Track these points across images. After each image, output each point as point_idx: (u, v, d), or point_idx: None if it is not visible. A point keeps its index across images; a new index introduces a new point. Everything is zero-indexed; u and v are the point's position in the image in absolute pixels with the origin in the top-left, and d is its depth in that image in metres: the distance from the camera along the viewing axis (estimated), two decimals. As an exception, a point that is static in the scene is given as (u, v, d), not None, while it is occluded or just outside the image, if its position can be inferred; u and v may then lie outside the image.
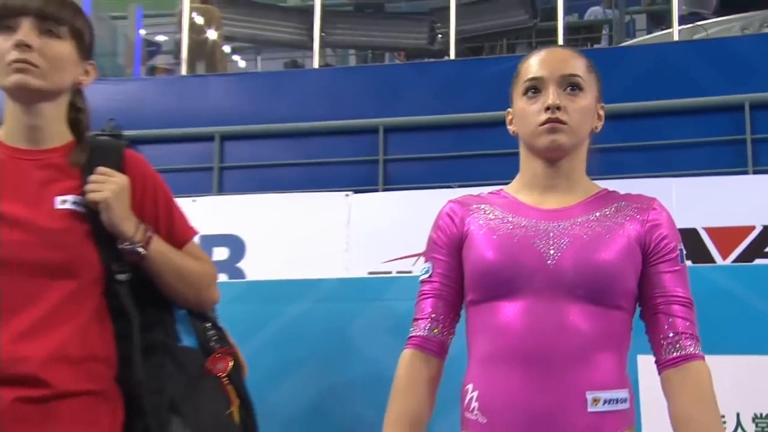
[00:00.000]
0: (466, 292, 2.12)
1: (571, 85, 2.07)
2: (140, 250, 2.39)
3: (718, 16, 8.67)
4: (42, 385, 2.23)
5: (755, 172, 6.06)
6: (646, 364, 2.55)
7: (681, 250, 2.03)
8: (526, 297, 1.98)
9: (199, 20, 10.23)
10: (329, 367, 2.86)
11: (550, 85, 2.05)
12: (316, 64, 10.10)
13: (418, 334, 2.15)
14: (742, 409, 2.61)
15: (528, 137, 2.10)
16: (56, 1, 2.45)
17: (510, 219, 2.08)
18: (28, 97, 2.42)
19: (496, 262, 2.02)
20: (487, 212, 2.13)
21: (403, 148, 7.16)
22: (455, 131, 6.99)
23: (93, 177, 2.39)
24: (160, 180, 2.60)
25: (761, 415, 2.59)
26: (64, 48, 2.42)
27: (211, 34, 10.35)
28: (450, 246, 2.16)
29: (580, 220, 2.04)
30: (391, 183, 6.89)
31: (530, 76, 2.10)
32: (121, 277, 2.41)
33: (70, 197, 2.38)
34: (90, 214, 2.38)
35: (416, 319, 2.18)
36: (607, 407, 1.93)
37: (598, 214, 2.06)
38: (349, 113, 7.55)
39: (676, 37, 8.44)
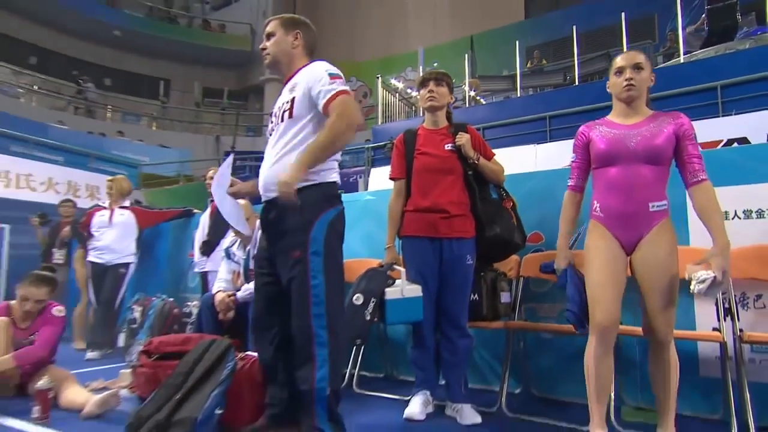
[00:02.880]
0: (592, 163, 2.01)
1: (637, 67, 1.93)
2: (476, 161, 2.48)
3: (702, 48, 7.72)
4: (446, 213, 2.42)
5: (723, 116, 5.39)
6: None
7: (695, 135, 1.89)
8: (620, 164, 1.90)
9: (466, 87, 10.15)
10: (542, 204, 2.83)
11: (627, 69, 1.93)
12: (518, 94, 9.75)
13: (570, 183, 2.09)
14: (730, 209, 2.44)
15: (617, 93, 1.98)
16: (440, 73, 2.57)
17: (611, 130, 1.96)
18: (434, 110, 2.56)
19: (605, 149, 1.93)
20: (600, 128, 1.99)
21: (558, 124, 6.86)
22: (580, 114, 6.47)
23: (457, 136, 2.49)
24: (480, 136, 2.61)
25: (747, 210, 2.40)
26: (444, 90, 2.54)
27: (473, 92, 10.30)
28: (583, 146, 2.04)
29: (644, 128, 1.91)
30: (553, 138, 6.63)
31: (618, 66, 1.97)
32: (470, 172, 2.51)
33: (449, 145, 2.50)
34: (458, 150, 2.48)
35: (570, 177, 2.10)
36: (657, 208, 1.85)
37: (652, 124, 1.91)
38: (533, 112, 7.29)
39: (682, 61, 7.50)
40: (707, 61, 6.96)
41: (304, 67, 2.03)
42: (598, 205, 1.96)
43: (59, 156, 9.04)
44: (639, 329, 1.98)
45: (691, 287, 1.69)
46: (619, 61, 1.99)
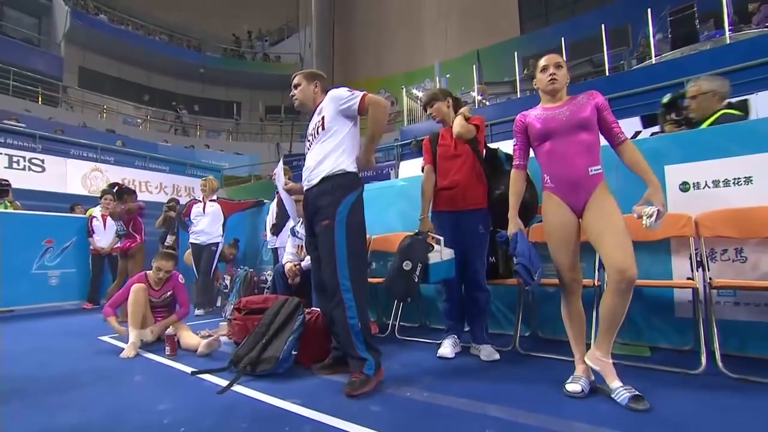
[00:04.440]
0: (533, 141, 1.87)
1: (557, 66, 1.83)
2: (464, 116, 2.35)
3: (670, 51, 7.32)
4: (460, 186, 2.34)
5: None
6: (670, 169, 2.36)
7: (609, 106, 1.77)
8: (557, 138, 1.77)
9: (475, 92, 9.87)
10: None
11: (550, 67, 1.83)
12: (518, 96, 9.38)
13: (515, 163, 1.93)
14: (701, 180, 2.32)
15: (543, 87, 1.86)
16: (427, 99, 2.55)
17: (543, 112, 1.83)
18: (439, 120, 2.51)
19: (541, 126, 1.81)
20: (535, 113, 1.86)
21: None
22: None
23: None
24: (478, 117, 2.44)
25: (716, 180, 2.26)
26: (437, 106, 2.47)
27: (480, 96, 9.95)
28: (521, 130, 1.89)
29: (569, 105, 1.79)
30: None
31: (542, 64, 1.85)
32: (477, 149, 2.38)
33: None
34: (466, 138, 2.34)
35: (514, 158, 1.94)
36: (594, 172, 1.72)
37: (575, 101, 1.80)
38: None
39: (653, 62, 7.12)
40: (674, 61, 6.62)
41: (323, 99, 2.13)
42: (548, 177, 1.82)
43: (166, 166, 9.55)
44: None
45: (643, 223, 1.57)
46: (543, 61, 1.87)
